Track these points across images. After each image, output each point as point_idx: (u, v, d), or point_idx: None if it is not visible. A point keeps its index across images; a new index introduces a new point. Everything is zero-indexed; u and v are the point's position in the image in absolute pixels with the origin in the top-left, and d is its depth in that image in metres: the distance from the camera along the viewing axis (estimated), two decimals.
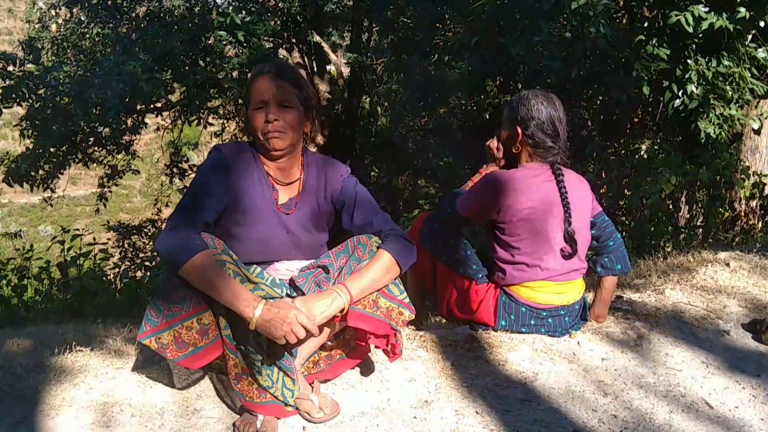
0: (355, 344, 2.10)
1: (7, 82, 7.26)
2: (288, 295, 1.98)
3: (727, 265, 3.26)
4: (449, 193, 2.73)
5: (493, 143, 2.66)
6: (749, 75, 4.79)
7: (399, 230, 2.04)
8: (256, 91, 1.98)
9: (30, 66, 7.69)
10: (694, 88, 4.71)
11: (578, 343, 2.53)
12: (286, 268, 2.06)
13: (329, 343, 2.10)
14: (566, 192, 2.43)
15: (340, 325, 2.00)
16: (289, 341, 1.77)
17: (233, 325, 1.84)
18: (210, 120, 9.66)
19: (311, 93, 2.06)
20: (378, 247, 1.97)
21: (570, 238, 2.43)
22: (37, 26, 10.57)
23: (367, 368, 2.25)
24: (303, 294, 1.94)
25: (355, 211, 2.06)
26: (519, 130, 2.48)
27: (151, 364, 2.19)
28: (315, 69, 10.28)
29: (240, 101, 9.33)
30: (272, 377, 1.89)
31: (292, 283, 2.00)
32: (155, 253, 7.86)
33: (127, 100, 6.95)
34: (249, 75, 2.04)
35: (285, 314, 1.77)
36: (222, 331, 1.85)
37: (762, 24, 4.59)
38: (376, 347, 2.02)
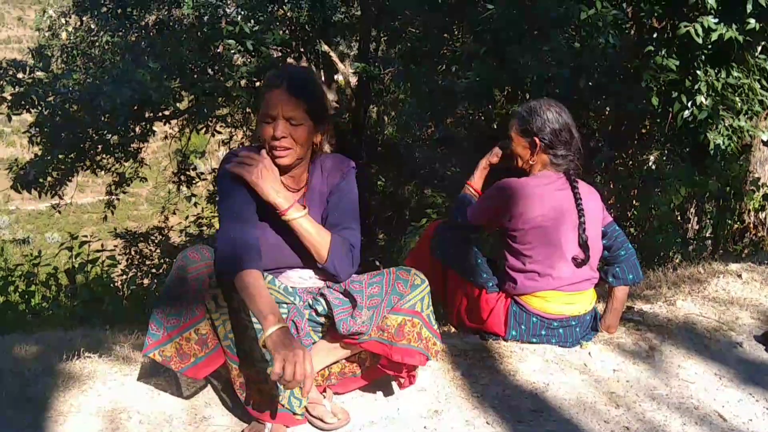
0: (371, 364, 2.08)
1: (17, 89, 7.28)
2: (316, 312, 1.98)
3: (739, 276, 3.23)
4: (457, 200, 2.72)
5: (498, 151, 2.67)
6: (759, 86, 4.78)
7: (353, 239, 2.00)
8: (266, 104, 1.91)
9: (39, 73, 7.72)
10: (703, 99, 4.69)
11: (589, 353, 2.51)
12: (299, 276, 2.04)
13: (343, 361, 2.10)
14: (581, 200, 2.42)
15: (357, 348, 2.00)
16: (286, 372, 1.60)
17: (238, 333, 1.82)
18: (218, 128, 9.68)
19: (324, 103, 2.01)
20: (423, 282, 1.96)
21: (584, 245, 2.41)
22: (46, 34, 10.61)
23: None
24: (332, 314, 1.92)
25: (331, 206, 2.03)
26: (537, 140, 2.46)
27: (159, 371, 2.18)
28: (323, 78, 10.30)
29: (248, 110, 9.36)
30: (279, 386, 1.87)
31: (323, 296, 1.98)
32: (162, 261, 7.86)
33: (135, 107, 6.97)
34: (262, 82, 1.99)
35: (296, 348, 1.63)
36: (222, 342, 1.85)
37: None
38: (395, 375, 2.02)
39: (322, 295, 1.98)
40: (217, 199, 2.12)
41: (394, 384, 2.22)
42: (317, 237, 1.92)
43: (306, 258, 2.04)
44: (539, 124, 2.46)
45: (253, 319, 1.81)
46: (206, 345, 1.87)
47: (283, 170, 2.00)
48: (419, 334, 1.93)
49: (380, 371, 2.05)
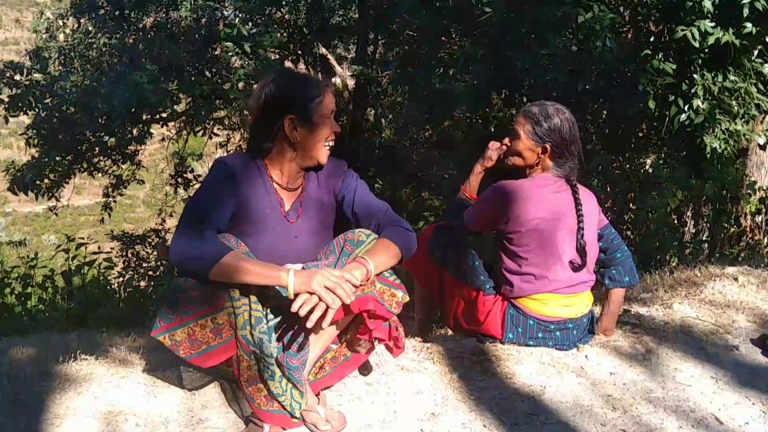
0: (358, 342, 2.06)
1: (14, 91, 7.29)
2: None
3: (736, 279, 3.24)
4: (453, 204, 2.71)
5: (494, 145, 2.65)
6: (755, 90, 4.80)
7: (400, 220, 2.04)
8: (328, 104, 2.04)
9: (37, 75, 7.71)
10: (699, 103, 4.71)
11: (586, 356, 2.51)
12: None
13: (333, 346, 2.09)
14: (581, 205, 2.42)
15: (344, 321, 1.98)
16: (334, 290, 1.75)
17: (254, 324, 1.82)
18: (215, 131, 9.68)
19: None
20: (369, 236, 1.97)
21: (582, 250, 2.42)
22: (44, 36, 10.61)
23: (373, 379, 2.23)
24: None
25: (354, 203, 2.09)
26: (549, 147, 2.45)
27: (156, 373, 2.18)
28: None
29: (245, 112, 9.35)
30: (282, 386, 1.88)
31: None
32: (159, 263, 7.86)
33: (133, 110, 6.97)
34: (315, 85, 2.06)
35: (315, 271, 1.80)
36: (238, 332, 1.84)
37: None
38: (380, 341, 2.00)
39: None
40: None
41: (392, 385, 2.22)
42: (388, 261, 1.93)
43: (301, 255, 2.05)
44: (554, 133, 2.44)
45: (253, 307, 1.83)
46: (220, 335, 1.86)
47: (308, 169, 2.08)
48: (372, 283, 1.90)
49: (365, 346, 2.05)
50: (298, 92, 2.02)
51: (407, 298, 1.98)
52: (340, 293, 1.75)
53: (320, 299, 1.75)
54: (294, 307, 1.75)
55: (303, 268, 1.97)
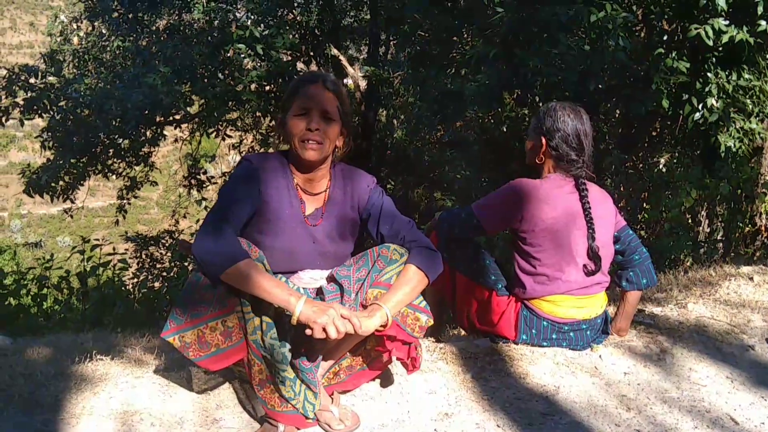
0: (376, 354, 2.07)
1: (29, 94, 7.35)
2: None
3: (751, 279, 3.21)
4: (442, 218, 2.67)
5: None
6: None
7: (424, 239, 2.04)
8: (302, 98, 1.99)
9: (51, 78, 7.77)
10: (714, 102, 4.67)
11: (600, 356, 2.50)
12: (310, 277, 2.05)
13: (349, 354, 2.10)
14: (590, 207, 2.41)
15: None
16: (329, 333, 1.75)
17: (265, 329, 1.83)
18: (228, 132, 9.73)
19: (349, 106, 2.08)
20: (402, 257, 1.97)
21: (594, 255, 2.40)
22: (58, 39, 10.69)
23: (386, 380, 2.24)
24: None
25: (380, 222, 2.07)
26: (544, 140, 2.47)
27: (170, 373, 2.19)
28: None
29: (258, 114, 9.39)
30: (295, 389, 1.88)
31: (320, 292, 2.01)
32: (173, 264, 7.91)
33: (146, 112, 7.02)
34: (295, 81, 2.07)
35: (327, 305, 1.80)
36: (249, 336, 1.85)
37: None
38: (398, 359, 2.00)
39: (321, 290, 2.01)
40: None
41: (405, 385, 2.22)
42: (412, 294, 1.94)
43: (317, 260, 2.06)
44: (549, 125, 2.46)
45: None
46: (230, 338, 1.86)
47: (308, 168, 2.04)
48: None
49: (385, 360, 2.05)
50: (288, 89, 2.06)
51: (431, 322, 2.00)
52: (331, 333, 1.75)
53: (313, 330, 1.75)
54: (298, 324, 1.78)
55: (319, 290, 1.99)
